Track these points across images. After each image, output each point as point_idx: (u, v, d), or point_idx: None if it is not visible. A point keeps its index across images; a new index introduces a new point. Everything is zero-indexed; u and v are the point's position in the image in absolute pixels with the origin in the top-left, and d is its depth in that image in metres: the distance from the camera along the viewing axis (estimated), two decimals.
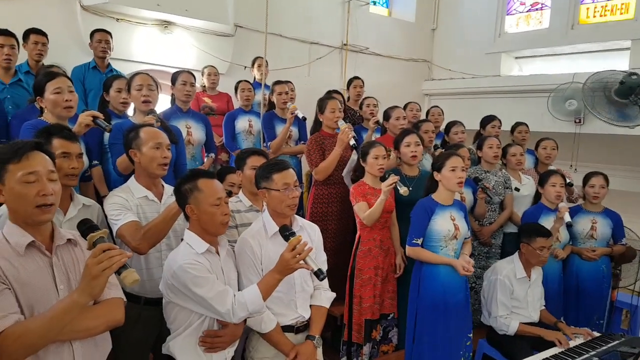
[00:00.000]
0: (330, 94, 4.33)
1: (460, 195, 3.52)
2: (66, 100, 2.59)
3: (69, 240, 1.68)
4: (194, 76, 3.75)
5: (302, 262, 1.99)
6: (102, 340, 1.69)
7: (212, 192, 2.06)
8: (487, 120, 4.71)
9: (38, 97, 2.64)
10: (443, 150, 4.13)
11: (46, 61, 4.01)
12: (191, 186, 2.06)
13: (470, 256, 3.00)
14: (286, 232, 2.07)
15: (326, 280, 2.51)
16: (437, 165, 2.95)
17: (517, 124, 4.70)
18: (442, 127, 4.92)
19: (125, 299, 1.73)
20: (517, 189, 4.00)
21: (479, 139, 4.22)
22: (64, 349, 1.55)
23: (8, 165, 1.53)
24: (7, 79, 3.49)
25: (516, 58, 7.34)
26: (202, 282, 1.95)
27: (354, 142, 3.46)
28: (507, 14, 7.30)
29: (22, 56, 3.83)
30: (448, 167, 2.88)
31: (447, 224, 2.89)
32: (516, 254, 3.35)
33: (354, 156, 3.60)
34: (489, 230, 3.92)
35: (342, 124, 3.56)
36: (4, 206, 2.06)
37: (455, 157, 2.91)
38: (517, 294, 3.26)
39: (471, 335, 3.01)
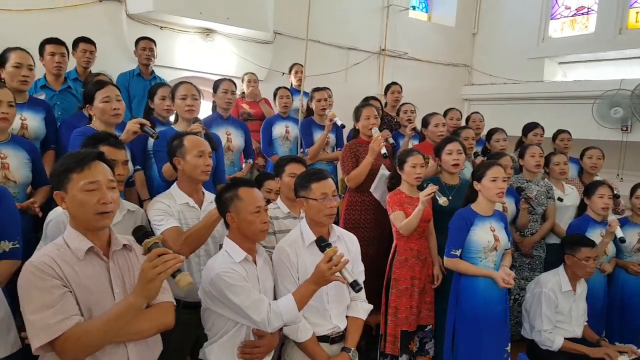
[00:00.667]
0: (366, 101, 4.32)
1: (502, 206, 3.45)
2: (114, 109, 2.70)
3: (124, 245, 1.76)
4: (234, 84, 3.82)
5: (337, 274, 1.99)
6: (153, 342, 1.76)
7: (252, 201, 2.10)
8: (529, 128, 4.59)
9: (87, 105, 2.75)
10: (484, 158, 4.06)
11: (93, 68, 4.15)
12: (232, 195, 2.11)
13: (511, 268, 2.93)
14: (322, 243, 2.08)
15: (363, 291, 2.50)
16: (478, 175, 2.90)
17: (559, 132, 4.56)
18: (483, 134, 4.82)
19: (175, 303, 1.80)
20: (560, 199, 3.89)
21: (521, 147, 4.12)
22: (119, 350, 1.63)
23: (71, 175, 1.62)
24: (57, 86, 3.63)
25: (560, 63, 7.13)
26: (238, 290, 1.98)
27: (385, 152, 3.45)
28: (552, 19, 7.11)
29: (71, 63, 3.99)
30: (489, 177, 2.83)
31: (486, 235, 2.83)
32: (562, 266, 3.25)
33: (383, 171, 3.58)
34: (531, 241, 3.82)
35: (375, 132, 3.54)
36: (52, 211, 2.20)
37: (496, 167, 2.86)
38: (561, 308, 3.16)
39: (508, 348, 2.93)
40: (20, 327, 1.66)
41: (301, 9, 3.99)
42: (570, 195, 3.96)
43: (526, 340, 3.31)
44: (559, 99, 6.47)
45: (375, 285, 3.35)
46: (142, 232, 1.66)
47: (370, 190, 3.61)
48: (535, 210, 3.75)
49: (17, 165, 2.49)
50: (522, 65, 7.09)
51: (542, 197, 3.85)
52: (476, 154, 4.25)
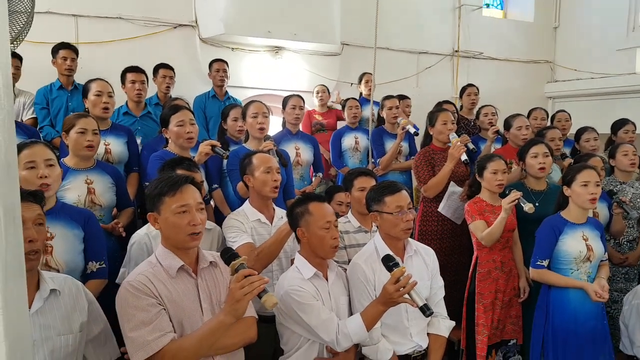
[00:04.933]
0: (441, 105, 4.16)
1: (592, 211, 3.16)
2: (188, 132, 2.82)
3: (210, 262, 1.84)
4: (302, 100, 3.85)
5: (406, 296, 1.89)
6: (237, 354, 1.84)
7: (322, 216, 2.08)
8: (619, 125, 4.20)
9: (164, 129, 2.89)
10: (571, 160, 3.75)
11: (172, 92, 4.37)
12: (302, 209, 2.11)
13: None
14: (389, 262, 1.98)
15: (444, 307, 2.38)
16: (568, 179, 2.67)
17: None
18: (570, 134, 4.47)
19: (257, 317, 1.86)
20: None
21: (612, 146, 3.77)
22: None
23: (164, 198, 1.73)
24: (138, 112, 3.84)
25: None
26: (307, 309, 1.97)
27: (466, 158, 3.29)
28: None
29: (152, 89, 4.23)
30: (579, 181, 2.60)
31: (578, 245, 2.60)
32: None
33: (453, 188, 3.41)
34: (636, 256, 3.46)
35: (453, 137, 3.39)
36: (135, 234, 2.32)
37: (587, 171, 2.62)
38: None
39: None
40: (120, 341, 1.79)
41: (368, 19, 3.96)
42: None
43: (625, 356, 2.98)
44: None
45: (456, 299, 3.18)
46: (229, 255, 1.73)
47: (439, 209, 3.46)
48: (629, 214, 3.39)
49: (102, 189, 2.64)
50: (610, 58, 6.57)
51: (639, 199, 3.49)
52: (564, 156, 3.94)
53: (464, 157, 3.29)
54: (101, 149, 3.01)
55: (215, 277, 1.83)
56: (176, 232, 1.72)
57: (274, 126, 4.11)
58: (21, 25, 1.89)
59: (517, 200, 2.77)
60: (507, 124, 3.84)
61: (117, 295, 1.68)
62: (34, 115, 3.81)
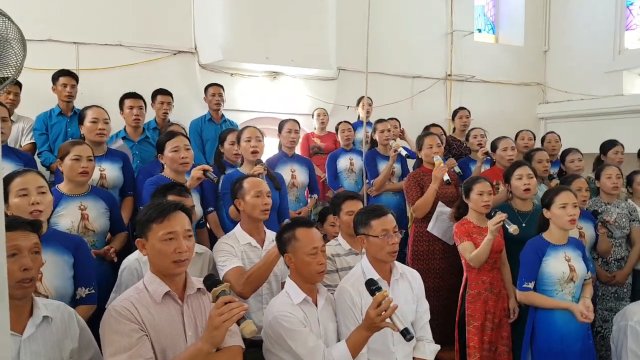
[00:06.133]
0: (427, 130, 4.26)
1: (578, 231, 3.21)
2: (182, 158, 2.89)
3: (198, 289, 1.84)
4: (298, 124, 3.95)
5: (387, 320, 1.90)
6: None
7: (309, 242, 2.09)
8: (608, 146, 4.27)
9: (159, 154, 2.96)
10: (558, 180, 3.82)
11: (171, 117, 4.45)
12: (289, 235, 2.13)
13: (594, 298, 2.70)
14: (372, 286, 1.99)
15: (429, 330, 2.41)
16: (546, 202, 2.73)
17: None
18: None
19: (244, 347, 1.86)
20: None
21: (597, 168, 3.84)
22: None
23: (152, 224, 1.75)
24: (135, 137, 3.92)
25: None
26: (295, 335, 1.97)
27: (448, 178, 3.38)
28: (626, 30, 6.67)
29: (151, 113, 4.31)
30: (557, 203, 2.66)
31: (561, 266, 2.64)
32: None
33: (441, 208, 3.48)
34: (623, 275, 3.51)
35: (437, 159, 3.49)
36: (126, 259, 2.36)
37: (565, 193, 2.69)
38: None
39: None
40: None
41: (362, 44, 4.07)
42: None
43: None
44: None
45: (449, 320, 3.21)
46: (212, 281, 1.74)
47: (428, 229, 3.52)
48: (614, 234, 3.44)
49: (96, 215, 2.69)
50: (599, 80, 6.68)
51: (624, 219, 3.55)
52: (551, 177, 4.01)
53: (446, 177, 3.37)
54: (96, 175, 3.06)
55: (202, 304, 1.83)
56: (162, 259, 1.73)
57: (271, 148, 4.20)
58: (18, 53, 1.92)
59: (502, 222, 2.82)
60: (494, 146, 3.93)
61: (102, 319, 1.69)
62: (32, 141, 3.87)
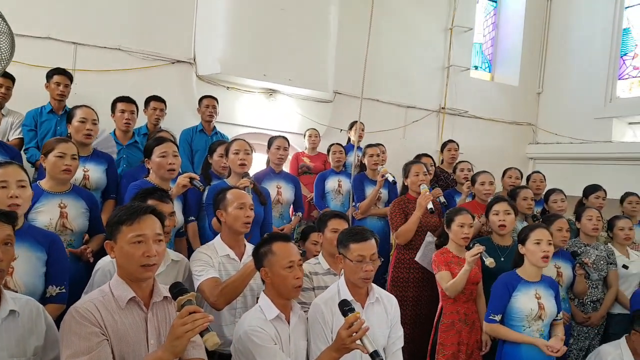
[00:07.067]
0: (419, 158, 4.30)
1: (556, 270, 3.23)
2: (170, 164, 2.88)
3: (165, 297, 1.79)
4: (288, 141, 3.95)
5: (358, 341, 1.87)
6: None
7: (286, 255, 2.08)
8: (590, 190, 4.37)
9: (146, 159, 2.95)
10: (540, 219, 3.86)
11: (164, 125, 4.46)
12: (266, 249, 2.11)
13: (567, 337, 2.70)
14: (345, 307, 1.97)
15: (401, 356, 2.38)
16: (522, 237, 2.76)
17: (627, 194, 4.30)
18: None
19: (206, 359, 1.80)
20: (625, 266, 3.60)
21: (579, 209, 3.89)
22: None
23: (122, 227, 1.71)
24: (124, 141, 3.92)
25: (630, 124, 6.79)
26: (263, 352, 1.94)
27: (431, 207, 3.41)
28: (619, 79, 6.85)
29: (143, 119, 4.30)
30: (532, 239, 2.69)
31: (530, 303, 2.65)
32: (623, 339, 2.95)
33: (429, 238, 3.50)
34: (598, 317, 3.54)
35: (423, 188, 3.52)
36: (101, 260, 2.32)
37: (540, 230, 2.72)
38: None
39: None
40: None
41: (359, 71, 4.14)
42: (637, 262, 3.66)
43: None
44: (629, 159, 6.12)
45: (423, 348, 3.19)
46: (178, 289, 1.69)
47: (416, 259, 3.52)
48: (591, 276, 3.48)
49: (75, 214, 2.66)
50: (589, 125, 6.84)
51: (602, 262, 3.59)
52: (534, 217, 4.05)
53: (430, 205, 3.40)
54: (79, 175, 3.04)
55: (167, 313, 1.78)
56: (129, 262, 1.69)
57: (260, 164, 4.20)
58: (6, 46, 1.90)
59: (479, 254, 2.83)
60: (473, 180, 3.99)
61: (63, 319, 1.63)
62: (20, 136, 3.85)
